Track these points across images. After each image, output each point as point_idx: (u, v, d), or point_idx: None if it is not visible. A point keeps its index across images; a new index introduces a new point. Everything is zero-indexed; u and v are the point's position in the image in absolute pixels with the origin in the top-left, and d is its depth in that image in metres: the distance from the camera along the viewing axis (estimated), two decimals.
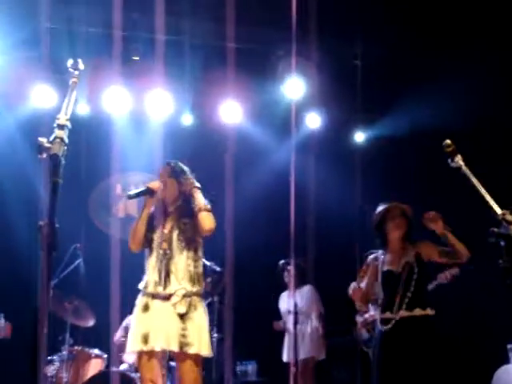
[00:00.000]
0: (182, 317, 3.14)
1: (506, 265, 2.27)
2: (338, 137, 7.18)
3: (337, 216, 6.52)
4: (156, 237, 3.33)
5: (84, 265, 5.48)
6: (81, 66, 1.94)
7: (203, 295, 3.37)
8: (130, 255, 6.08)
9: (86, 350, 5.20)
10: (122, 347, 5.08)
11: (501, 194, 2.51)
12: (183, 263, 3.24)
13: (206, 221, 3.28)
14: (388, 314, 3.63)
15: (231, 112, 6.69)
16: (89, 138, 6.63)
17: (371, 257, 3.89)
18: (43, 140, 1.55)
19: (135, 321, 3.27)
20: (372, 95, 6.36)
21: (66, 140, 1.60)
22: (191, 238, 3.31)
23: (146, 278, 3.33)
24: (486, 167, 3.16)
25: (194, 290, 3.24)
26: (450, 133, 2.70)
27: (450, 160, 2.63)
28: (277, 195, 6.63)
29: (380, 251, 3.86)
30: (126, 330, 5.10)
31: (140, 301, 3.30)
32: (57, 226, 1.52)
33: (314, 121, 6.94)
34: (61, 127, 1.59)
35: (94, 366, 5.17)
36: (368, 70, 6.15)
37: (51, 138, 1.55)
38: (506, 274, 2.30)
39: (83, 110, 6.61)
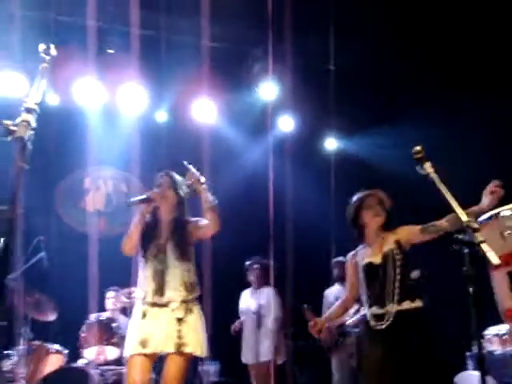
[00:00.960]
0: (179, 320, 3.26)
1: (469, 272, 2.31)
2: (311, 140, 7.22)
3: (309, 218, 6.55)
4: (152, 247, 3.41)
5: (47, 258, 5.34)
6: (53, 51, 1.90)
7: (198, 299, 3.46)
8: (96, 250, 6.09)
9: (46, 345, 5.09)
10: (82, 342, 5.01)
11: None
12: (179, 273, 3.35)
13: (215, 222, 3.41)
14: (377, 310, 3.32)
15: (205, 111, 6.67)
16: (59, 128, 6.52)
17: (350, 254, 3.61)
18: (8, 122, 1.51)
19: (134, 327, 3.35)
20: (345, 100, 6.41)
21: (34, 124, 1.55)
22: (185, 248, 3.41)
23: (143, 287, 3.39)
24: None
25: (190, 297, 3.36)
26: (422, 141, 2.71)
27: (418, 166, 2.66)
28: (249, 195, 6.65)
29: (359, 246, 3.59)
30: (91, 325, 5.05)
31: (138, 309, 3.38)
32: (20, 211, 1.48)
33: (287, 123, 6.97)
34: (28, 111, 1.54)
35: (54, 362, 5.07)
36: (342, 75, 6.20)
37: (17, 121, 1.51)
38: (469, 282, 2.34)
39: (53, 100, 6.49)
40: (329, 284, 6.04)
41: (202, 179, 3.44)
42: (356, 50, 5.77)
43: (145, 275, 3.39)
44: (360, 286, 3.48)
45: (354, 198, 3.62)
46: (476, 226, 2.23)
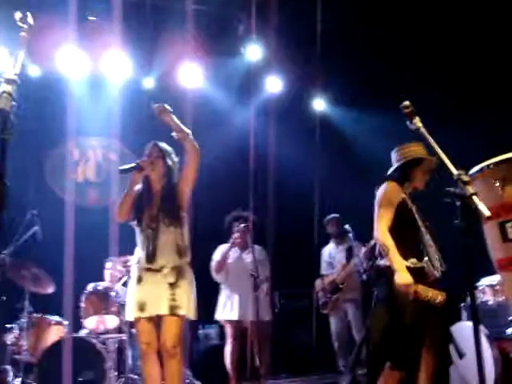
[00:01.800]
0: (172, 285, 3.41)
1: (461, 224, 2.33)
2: (298, 101, 7.16)
3: (295, 180, 6.57)
4: (145, 216, 3.52)
5: (42, 231, 5.33)
6: (30, 19, 1.84)
7: (190, 264, 3.60)
8: (89, 221, 6.09)
9: (46, 317, 5.15)
10: (82, 313, 5.05)
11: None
12: (171, 239, 3.48)
13: (193, 147, 3.57)
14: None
15: (191, 75, 6.57)
16: (44, 100, 6.44)
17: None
18: None
19: (131, 292, 3.53)
20: (333, 61, 6.33)
21: (15, 95, 1.52)
22: (176, 215, 3.52)
23: (137, 253, 3.56)
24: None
25: (183, 261, 3.50)
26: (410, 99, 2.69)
27: (408, 121, 2.65)
28: (237, 158, 6.62)
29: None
30: (89, 295, 5.08)
31: (134, 274, 3.56)
32: (7, 184, 1.46)
33: (274, 84, 6.90)
34: (8, 82, 1.51)
35: (55, 333, 5.13)
36: (329, 35, 6.10)
37: None
38: (462, 234, 2.36)
39: (37, 71, 6.40)
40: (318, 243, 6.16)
41: (168, 108, 3.65)
42: (344, 10, 5.66)
43: (139, 242, 3.55)
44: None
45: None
46: (467, 178, 2.23)
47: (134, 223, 3.59)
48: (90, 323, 5.01)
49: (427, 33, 5.68)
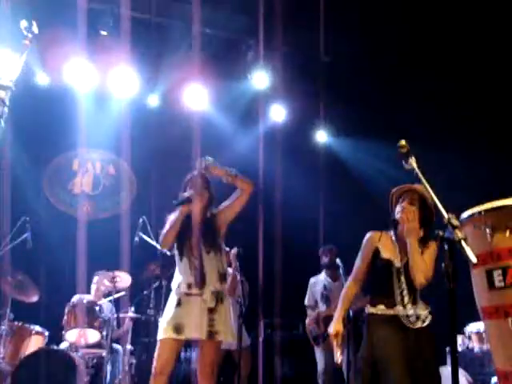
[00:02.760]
0: (211, 310, 3.48)
1: (448, 268, 2.31)
2: (301, 131, 7.20)
3: (297, 207, 6.54)
4: (186, 244, 3.61)
5: (32, 239, 5.31)
6: (35, 28, 1.86)
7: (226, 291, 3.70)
8: (82, 234, 6.07)
9: (27, 325, 5.07)
10: (64, 325, 5.00)
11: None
12: (212, 266, 3.58)
13: (245, 183, 3.69)
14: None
15: (197, 97, 6.63)
16: (49, 109, 6.48)
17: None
18: None
19: (169, 313, 3.53)
20: (337, 92, 6.39)
21: (7, 102, 1.53)
22: (217, 243, 3.64)
23: (178, 279, 3.60)
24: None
25: (221, 287, 3.59)
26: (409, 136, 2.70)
27: (403, 161, 2.66)
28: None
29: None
30: (73, 307, 5.01)
31: (173, 298, 3.58)
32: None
33: (278, 113, 6.94)
34: (2, 87, 1.51)
35: (34, 343, 5.05)
36: (335, 66, 6.17)
37: None
38: (448, 278, 2.34)
39: (44, 80, 6.45)
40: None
41: (213, 161, 3.68)
42: (350, 41, 5.73)
43: (180, 269, 3.62)
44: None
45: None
46: (457, 223, 2.23)
47: (174, 251, 3.68)
48: (71, 336, 4.95)
49: (427, 65, 5.73)
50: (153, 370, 3.49)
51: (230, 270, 5.23)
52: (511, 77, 5.40)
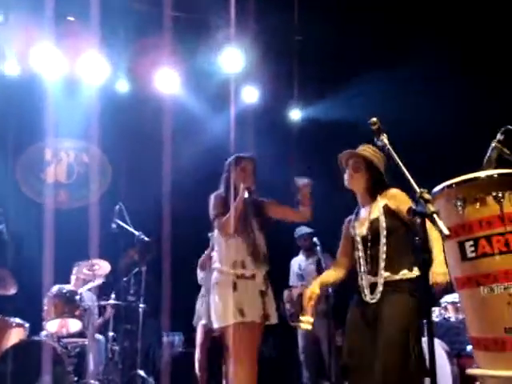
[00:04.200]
0: (262, 293, 3.51)
1: (420, 242, 2.36)
2: (274, 112, 7.19)
3: (272, 189, 6.55)
4: (241, 223, 3.57)
5: (8, 231, 5.25)
6: None
7: None
8: (58, 223, 6.01)
9: (7, 318, 5.02)
10: (44, 315, 4.97)
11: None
12: (262, 246, 3.60)
13: (306, 213, 3.74)
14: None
15: (167, 80, 6.57)
16: (19, 98, 6.37)
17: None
18: None
19: (228, 298, 3.46)
20: (311, 72, 6.38)
21: None
22: (267, 222, 3.69)
23: (231, 259, 3.53)
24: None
25: (268, 270, 3.60)
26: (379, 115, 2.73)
27: (375, 138, 2.69)
28: (211, 166, 6.60)
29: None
30: (53, 297, 4.99)
31: (227, 280, 3.51)
32: None
33: (250, 94, 6.92)
34: None
35: (15, 335, 5.02)
36: (308, 46, 6.15)
37: None
38: (421, 250, 2.39)
39: (14, 69, 6.32)
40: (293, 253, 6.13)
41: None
42: (320, 21, 5.72)
43: (232, 248, 3.56)
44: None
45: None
46: (428, 196, 2.27)
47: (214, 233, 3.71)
48: (52, 326, 4.93)
49: (399, 43, 5.76)
50: (247, 361, 3.45)
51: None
52: None
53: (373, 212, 3.06)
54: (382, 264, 2.90)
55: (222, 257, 3.59)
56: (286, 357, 6.39)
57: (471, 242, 2.24)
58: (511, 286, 2.13)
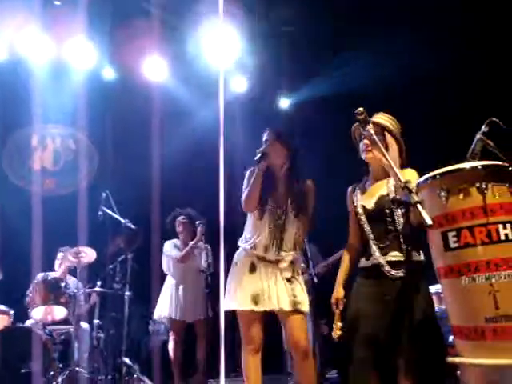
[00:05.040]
0: (289, 280, 3.24)
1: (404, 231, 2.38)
2: (263, 101, 7.18)
3: None
4: (270, 201, 3.34)
5: None
6: None
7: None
8: (44, 210, 5.97)
9: None
10: (29, 303, 4.96)
11: None
12: (293, 230, 3.33)
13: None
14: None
15: (155, 68, 6.54)
16: (5, 84, 6.30)
17: None
18: None
19: (243, 280, 3.26)
20: (298, 61, 6.38)
21: None
22: (303, 204, 3.34)
23: (253, 239, 3.32)
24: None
25: (298, 256, 3.36)
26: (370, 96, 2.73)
27: (361, 128, 2.70)
28: (200, 156, 6.60)
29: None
30: (38, 284, 4.97)
31: (245, 260, 3.32)
32: None
33: (239, 84, 6.91)
34: None
35: (0, 322, 5.00)
36: (296, 36, 6.15)
37: None
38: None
39: (1, 54, 6.25)
40: None
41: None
42: (308, 12, 5.71)
43: (258, 228, 3.33)
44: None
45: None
46: (413, 186, 2.28)
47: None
48: (37, 313, 4.91)
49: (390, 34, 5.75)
50: (246, 347, 3.28)
51: (190, 243, 5.31)
52: None
53: (384, 187, 2.89)
54: (401, 240, 2.78)
55: (247, 236, 3.39)
56: (270, 345, 6.41)
57: (454, 233, 2.25)
58: (492, 276, 2.15)
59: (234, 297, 3.27)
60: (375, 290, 2.80)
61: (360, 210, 2.94)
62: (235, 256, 3.40)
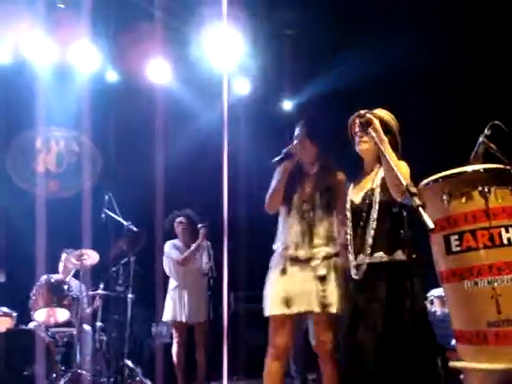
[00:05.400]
0: (322, 279, 3.07)
1: (405, 235, 2.37)
2: (266, 103, 7.18)
3: (263, 181, 6.55)
4: (296, 197, 3.23)
5: None
6: None
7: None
8: (47, 212, 5.99)
9: None
10: (32, 305, 4.96)
11: None
12: (324, 225, 3.16)
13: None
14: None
15: (159, 71, 6.55)
16: (9, 86, 6.32)
17: None
18: None
19: (274, 284, 3.17)
20: (301, 63, 6.38)
21: None
22: (332, 199, 3.17)
23: (283, 239, 3.22)
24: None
25: (333, 251, 3.14)
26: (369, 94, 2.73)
27: (363, 129, 2.69)
28: (203, 158, 6.60)
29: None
30: (41, 287, 4.98)
31: (277, 263, 3.21)
32: None
33: (242, 87, 6.92)
34: None
35: (3, 324, 4.99)
36: (298, 38, 6.15)
37: None
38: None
39: (4, 57, 6.27)
40: None
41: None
42: (314, 15, 5.72)
43: (287, 228, 3.22)
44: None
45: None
46: (415, 190, 2.27)
47: (281, 208, 3.28)
48: (40, 316, 4.91)
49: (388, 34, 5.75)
50: (270, 351, 3.14)
51: (192, 245, 5.30)
52: None
53: (371, 182, 2.87)
54: (370, 241, 2.73)
55: (278, 237, 3.26)
56: None
57: (456, 236, 2.25)
58: (495, 280, 2.14)
59: (268, 301, 3.16)
60: (351, 291, 2.83)
61: (348, 205, 2.93)
62: (270, 261, 3.31)
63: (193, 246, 5.23)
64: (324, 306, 3.01)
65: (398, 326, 2.54)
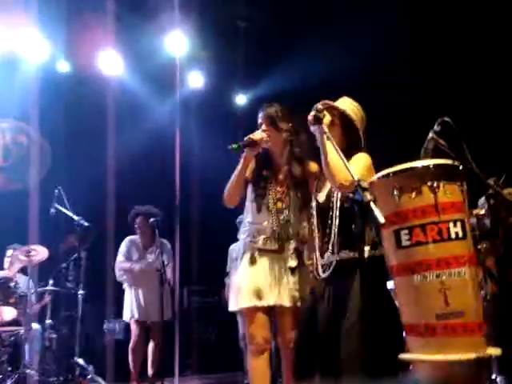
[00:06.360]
0: (293, 270, 2.95)
1: (356, 230, 2.38)
2: (220, 97, 7.15)
3: (216, 175, 6.52)
4: (269, 196, 3.05)
5: None
6: None
7: None
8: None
9: None
10: None
11: None
12: (297, 221, 3.04)
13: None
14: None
15: (110, 62, 6.42)
16: None
17: None
18: None
19: (243, 275, 2.99)
20: (254, 56, 6.36)
21: None
22: (306, 198, 3.01)
23: (251, 230, 3.04)
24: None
25: (301, 246, 3.02)
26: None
27: (315, 124, 2.69)
28: (155, 151, 6.52)
29: None
30: None
31: (244, 253, 3.03)
32: None
33: (196, 79, 6.87)
34: None
35: None
36: (251, 31, 6.13)
37: None
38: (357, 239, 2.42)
39: None
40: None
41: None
42: (265, 7, 5.71)
43: (256, 222, 3.05)
44: None
45: None
46: (366, 185, 2.29)
47: (250, 196, 3.09)
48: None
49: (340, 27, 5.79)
50: (249, 347, 2.98)
51: (149, 258, 5.28)
52: None
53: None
54: (336, 239, 2.67)
55: (245, 227, 3.11)
56: (227, 343, 6.41)
57: (406, 231, 2.27)
58: (443, 273, 2.18)
59: (237, 294, 3.00)
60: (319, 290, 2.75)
61: (313, 204, 2.88)
62: (234, 250, 3.17)
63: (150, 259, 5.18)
64: (294, 299, 2.92)
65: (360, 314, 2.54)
